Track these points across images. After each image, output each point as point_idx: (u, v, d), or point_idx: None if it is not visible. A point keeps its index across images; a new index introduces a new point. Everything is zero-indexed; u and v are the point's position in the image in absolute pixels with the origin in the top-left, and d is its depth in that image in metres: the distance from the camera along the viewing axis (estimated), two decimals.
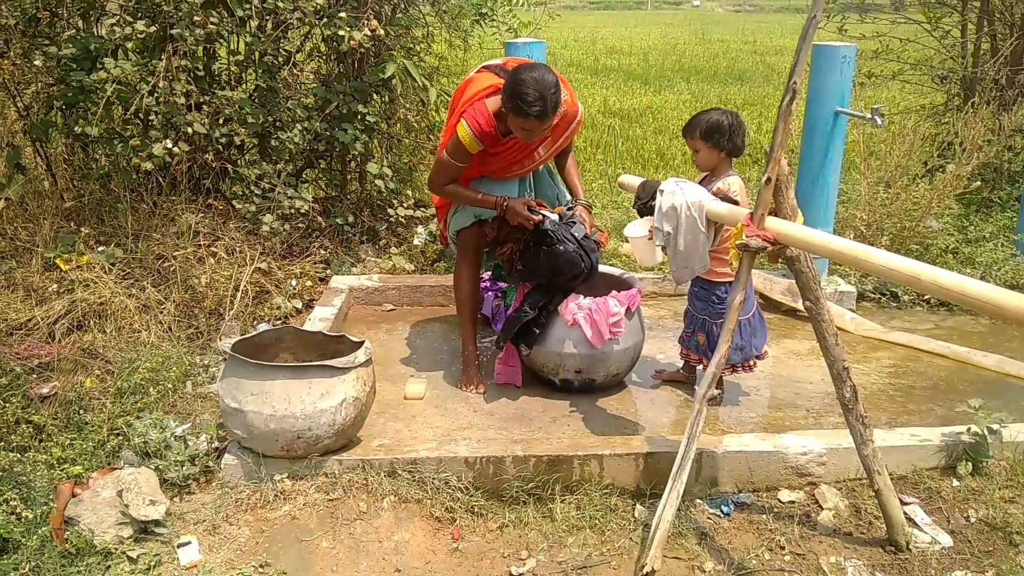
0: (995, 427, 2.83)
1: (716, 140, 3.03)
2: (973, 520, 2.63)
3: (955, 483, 2.78)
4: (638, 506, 2.68)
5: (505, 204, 3.22)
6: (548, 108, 2.92)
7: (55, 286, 3.78)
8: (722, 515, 2.67)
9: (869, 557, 2.50)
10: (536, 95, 2.89)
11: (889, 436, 2.87)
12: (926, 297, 4.47)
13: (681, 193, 2.70)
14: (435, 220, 4.60)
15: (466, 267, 3.52)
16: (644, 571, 2.36)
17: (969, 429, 2.85)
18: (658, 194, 2.77)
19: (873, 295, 4.53)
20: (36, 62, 3.99)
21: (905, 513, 2.58)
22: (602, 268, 3.76)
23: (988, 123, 5.25)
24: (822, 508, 2.70)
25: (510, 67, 3.16)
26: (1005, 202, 5.65)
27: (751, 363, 3.27)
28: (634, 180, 3.12)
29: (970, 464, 2.81)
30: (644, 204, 2.93)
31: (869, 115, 4.03)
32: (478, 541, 2.54)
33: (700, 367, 3.40)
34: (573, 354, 3.29)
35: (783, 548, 2.53)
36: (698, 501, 2.72)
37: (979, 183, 5.49)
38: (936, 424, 3.06)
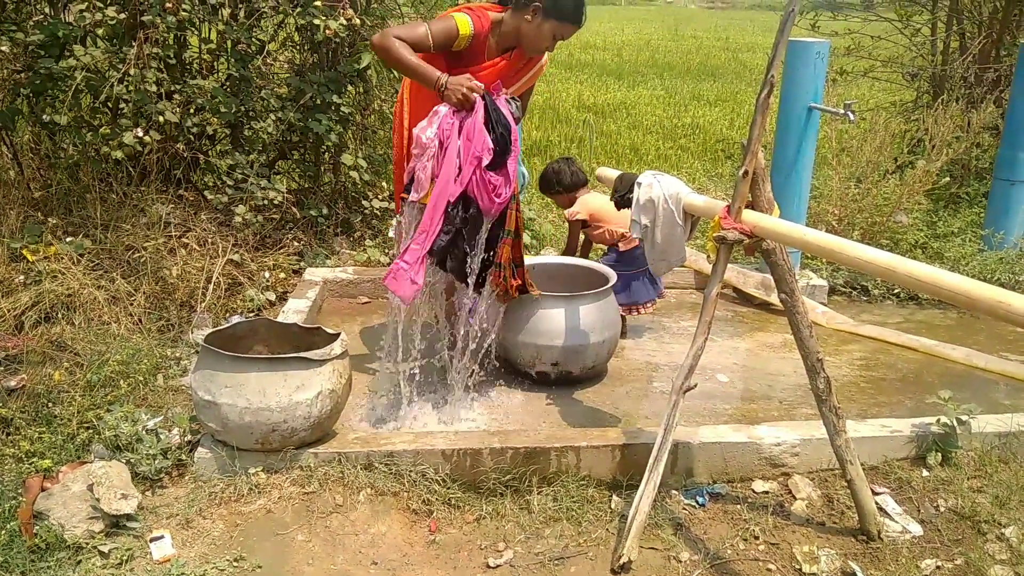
0: (964, 418, 2.88)
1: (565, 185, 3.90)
2: (943, 509, 2.68)
3: (925, 473, 2.83)
4: (615, 497, 2.69)
5: (446, 82, 2.82)
6: (585, 14, 3.04)
7: (22, 277, 3.70)
8: (697, 506, 2.69)
9: (841, 546, 2.53)
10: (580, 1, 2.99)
11: (861, 427, 2.91)
12: (896, 291, 4.54)
13: (659, 186, 2.71)
14: None
15: None
16: (620, 561, 2.37)
17: (938, 420, 2.89)
18: (636, 187, 2.77)
19: (844, 289, 4.59)
20: (2, 48, 3.90)
21: (876, 503, 2.62)
22: (578, 261, 3.78)
23: (957, 120, 5.33)
24: (795, 498, 2.73)
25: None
26: (973, 198, 5.75)
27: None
28: (612, 173, 3.12)
29: (939, 454, 2.86)
30: (622, 197, 2.93)
31: (842, 111, 4.07)
32: (455, 533, 2.53)
33: None
34: (550, 347, 3.29)
35: (757, 538, 2.56)
36: (674, 492, 2.73)
37: (948, 179, 5.58)
38: (906, 415, 3.11)
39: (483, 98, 2.81)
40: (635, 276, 3.76)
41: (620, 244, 3.80)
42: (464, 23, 2.93)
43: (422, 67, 2.86)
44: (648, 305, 3.87)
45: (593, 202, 3.86)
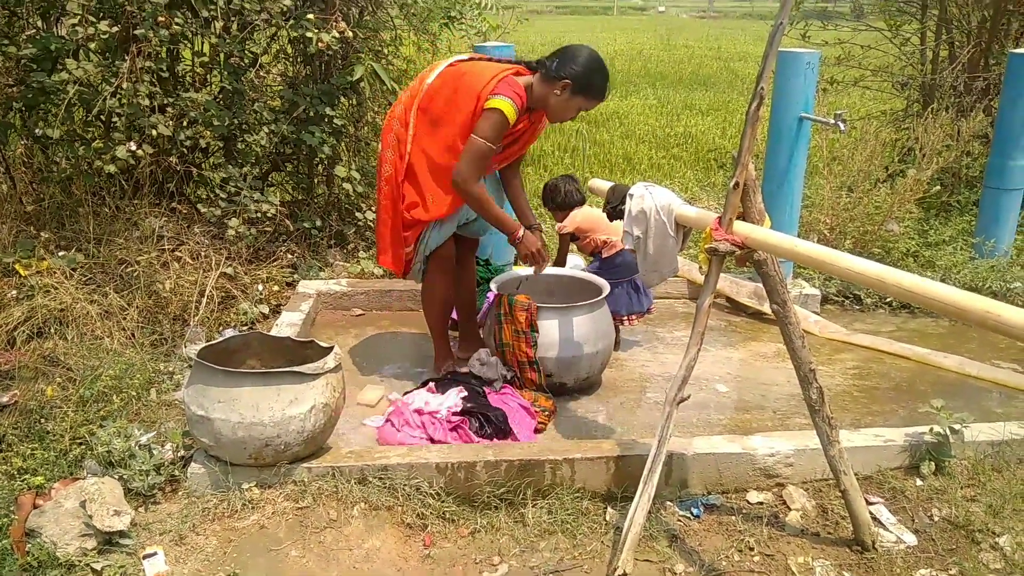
0: (957, 427, 2.89)
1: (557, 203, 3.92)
2: (936, 519, 2.68)
3: (918, 482, 2.83)
4: (609, 509, 2.69)
5: (523, 234, 3.22)
6: (610, 88, 3.19)
7: (14, 292, 3.68)
8: (692, 517, 2.69)
9: (836, 557, 2.53)
10: (607, 76, 3.13)
11: (854, 437, 2.91)
12: (888, 300, 4.55)
13: (650, 197, 2.72)
14: None
15: (439, 275, 3.43)
16: (616, 574, 2.36)
17: (931, 429, 2.90)
18: (628, 198, 2.78)
19: (837, 298, 4.61)
20: None
21: (871, 513, 2.62)
22: (574, 273, 3.79)
23: (947, 129, 5.37)
24: (790, 509, 2.73)
25: (495, 59, 3.24)
26: (963, 206, 5.78)
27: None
28: (604, 184, 3.14)
29: (933, 464, 2.86)
30: (614, 208, 2.95)
31: (832, 121, 4.09)
32: (450, 547, 2.53)
33: None
34: (544, 358, 3.29)
35: (752, 549, 2.56)
36: (668, 503, 2.73)
37: (938, 188, 5.61)
38: (899, 425, 3.11)
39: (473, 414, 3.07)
40: (618, 284, 3.74)
41: (603, 251, 3.83)
42: (510, 110, 3.03)
43: (504, 219, 3.21)
44: (634, 318, 3.86)
45: (580, 214, 3.88)
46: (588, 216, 3.86)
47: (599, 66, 3.11)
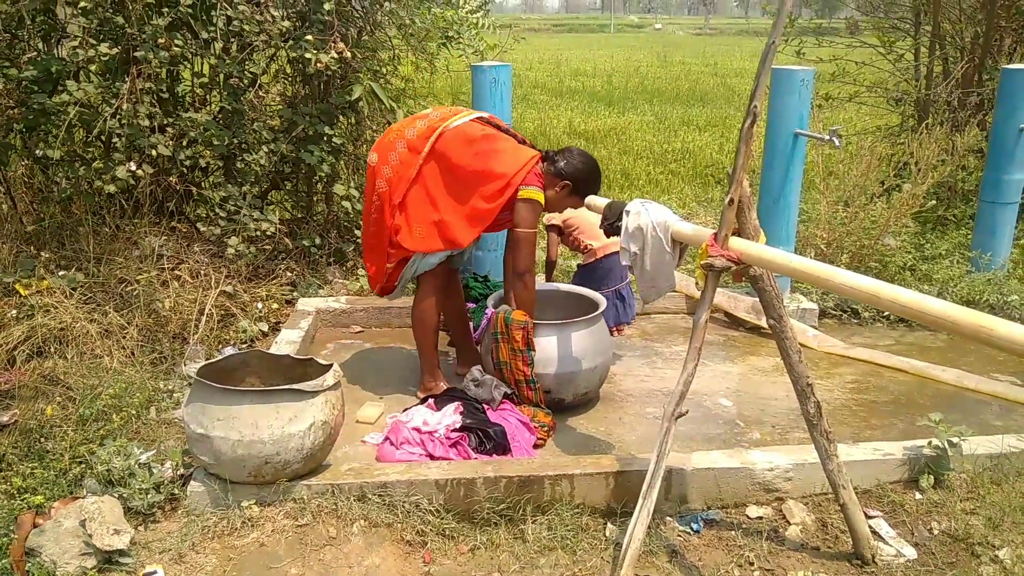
0: (955, 440, 2.89)
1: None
2: (936, 532, 2.68)
3: (918, 496, 2.84)
4: (609, 525, 2.69)
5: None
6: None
7: (14, 312, 3.70)
8: (692, 532, 2.69)
9: (836, 571, 2.53)
10: (600, 182, 3.43)
11: (853, 451, 2.92)
12: (886, 314, 4.56)
13: (647, 213, 2.74)
14: None
15: (433, 296, 3.48)
16: None
17: (930, 443, 2.91)
18: (624, 214, 2.80)
19: (835, 312, 4.62)
20: None
21: (870, 527, 2.62)
22: (570, 288, 3.80)
23: (942, 143, 5.40)
24: (789, 523, 2.73)
25: (500, 124, 3.42)
26: (959, 220, 5.80)
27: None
28: (600, 201, 3.15)
29: (932, 477, 2.87)
30: (611, 224, 2.96)
31: (827, 136, 4.12)
32: (450, 564, 2.53)
33: None
34: (542, 374, 3.30)
35: (752, 564, 2.56)
36: (668, 519, 2.73)
37: (934, 202, 5.64)
38: (898, 438, 3.12)
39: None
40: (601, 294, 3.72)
41: (584, 258, 3.84)
42: (541, 196, 3.30)
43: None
44: (623, 328, 3.87)
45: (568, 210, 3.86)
46: (573, 212, 3.86)
47: (596, 175, 3.36)
